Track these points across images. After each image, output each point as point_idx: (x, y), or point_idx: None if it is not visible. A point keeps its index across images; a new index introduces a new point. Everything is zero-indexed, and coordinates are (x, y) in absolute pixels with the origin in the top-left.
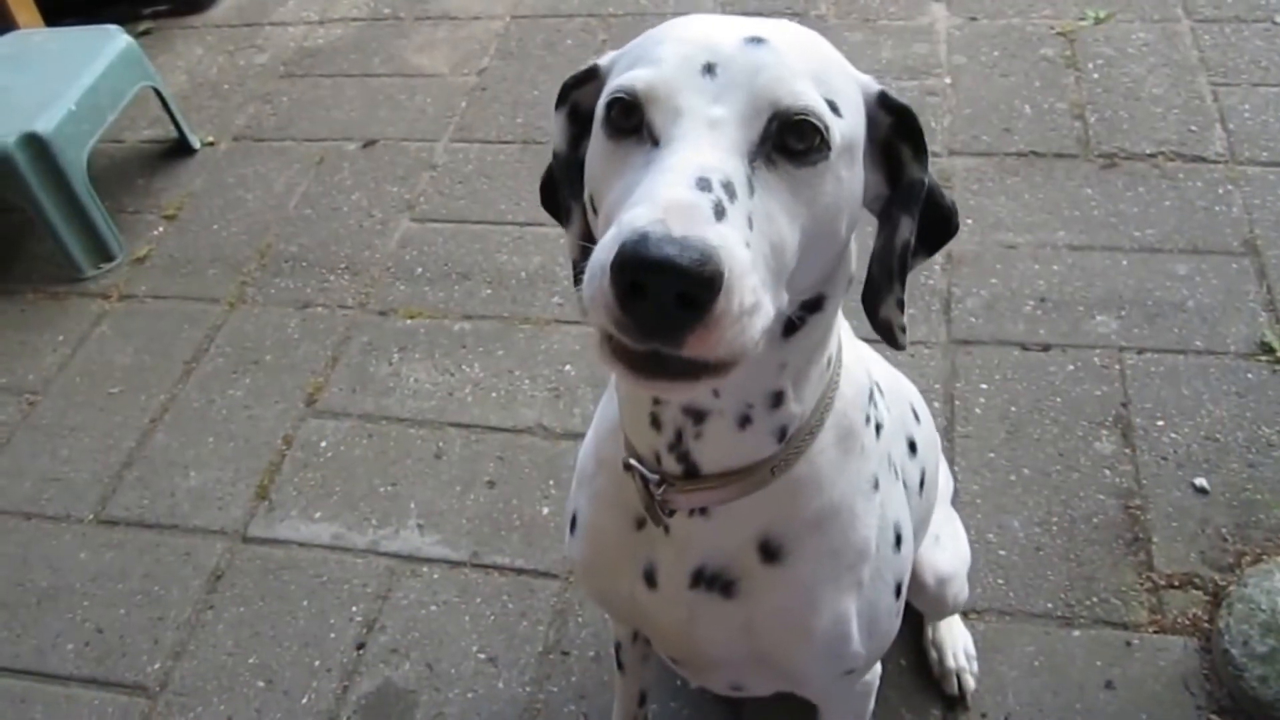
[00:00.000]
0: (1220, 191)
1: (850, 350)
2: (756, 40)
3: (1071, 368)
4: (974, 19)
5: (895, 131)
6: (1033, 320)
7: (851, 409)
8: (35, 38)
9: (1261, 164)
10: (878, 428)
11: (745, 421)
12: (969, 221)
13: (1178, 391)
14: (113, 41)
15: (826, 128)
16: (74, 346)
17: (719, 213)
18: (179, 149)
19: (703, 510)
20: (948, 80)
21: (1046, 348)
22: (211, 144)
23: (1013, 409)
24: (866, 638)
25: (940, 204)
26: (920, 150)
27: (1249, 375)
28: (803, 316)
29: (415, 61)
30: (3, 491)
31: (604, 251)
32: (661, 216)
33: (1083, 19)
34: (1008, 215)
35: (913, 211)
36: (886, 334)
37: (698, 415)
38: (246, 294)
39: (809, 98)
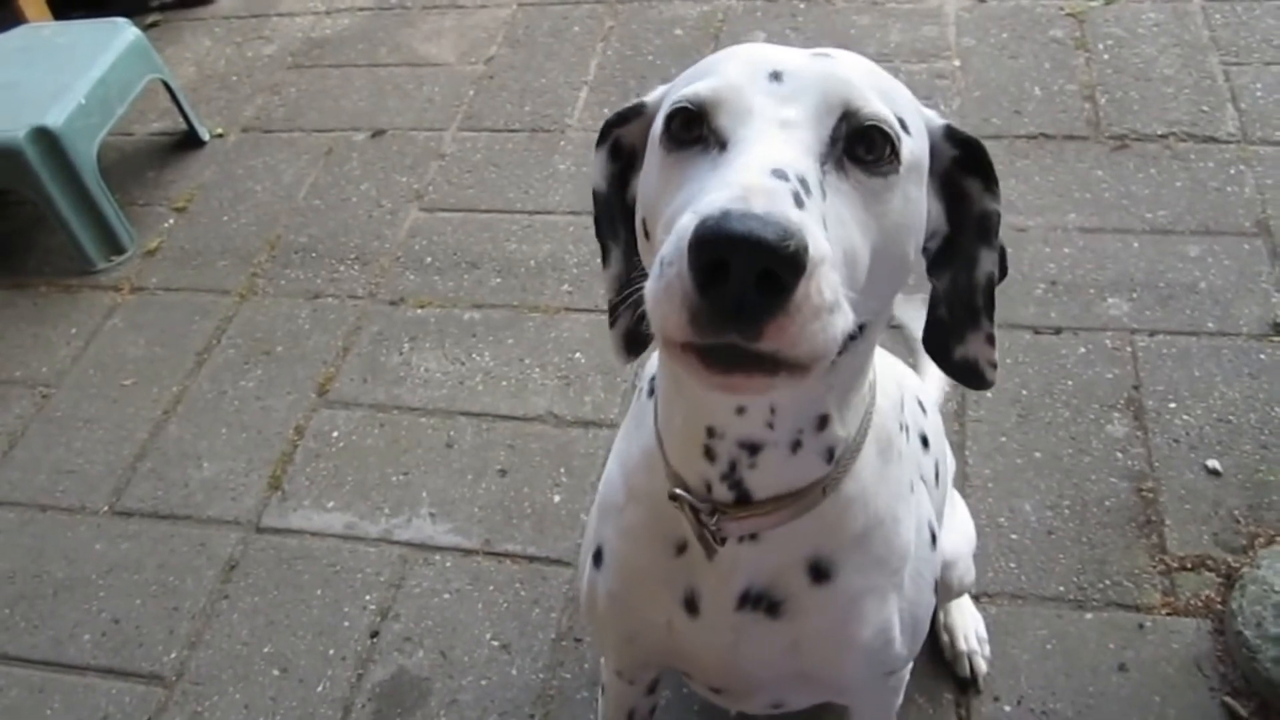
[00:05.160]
0: (1232, 172)
1: (879, 361)
2: (822, 54)
3: (1083, 350)
4: (983, 1)
5: (960, 165)
6: (1044, 303)
7: (889, 420)
8: (44, 31)
9: (1273, 144)
10: (905, 430)
11: (797, 446)
12: None
13: (1190, 373)
14: (121, 34)
15: (897, 137)
16: (86, 339)
17: (798, 202)
18: (188, 141)
19: (752, 535)
20: (957, 63)
21: (1058, 331)
22: (220, 136)
23: (1024, 392)
24: (909, 638)
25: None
26: (992, 182)
27: (1261, 356)
28: (845, 344)
29: (423, 50)
30: (18, 484)
31: (674, 242)
32: (742, 194)
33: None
34: (1018, 198)
35: (991, 242)
36: (967, 373)
37: (753, 448)
38: (257, 285)
39: (878, 106)
